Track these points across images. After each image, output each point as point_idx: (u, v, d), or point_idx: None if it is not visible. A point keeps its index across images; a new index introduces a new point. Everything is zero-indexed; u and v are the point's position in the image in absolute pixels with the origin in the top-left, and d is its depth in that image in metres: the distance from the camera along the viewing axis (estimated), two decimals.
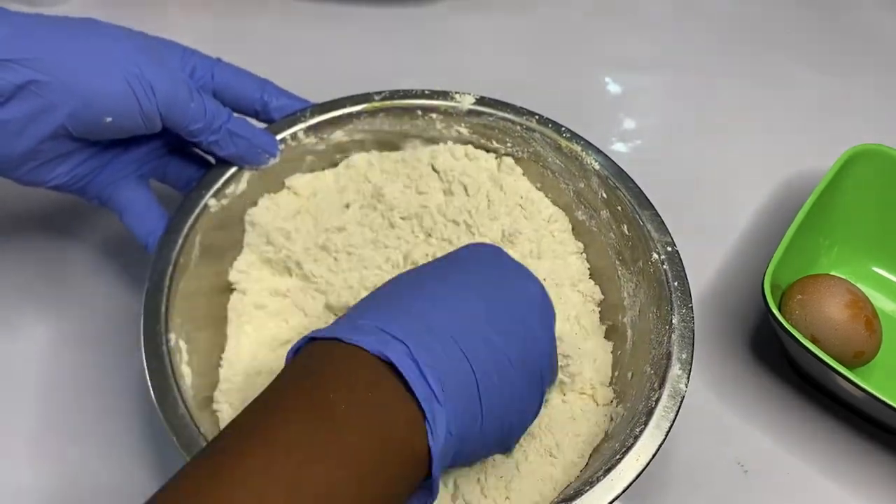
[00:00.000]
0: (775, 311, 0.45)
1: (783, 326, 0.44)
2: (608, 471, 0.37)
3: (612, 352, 0.46)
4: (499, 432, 0.35)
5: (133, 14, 0.67)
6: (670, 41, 0.69)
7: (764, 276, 0.46)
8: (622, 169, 0.47)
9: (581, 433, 0.43)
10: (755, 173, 0.60)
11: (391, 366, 0.31)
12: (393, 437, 0.30)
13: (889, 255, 0.54)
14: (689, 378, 0.40)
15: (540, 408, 0.38)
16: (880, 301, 0.53)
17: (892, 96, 0.65)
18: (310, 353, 0.33)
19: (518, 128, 0.49)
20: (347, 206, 0.49)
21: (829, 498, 0.46)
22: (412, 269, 0.39)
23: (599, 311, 0.48)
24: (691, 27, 0.70)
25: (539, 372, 0.36)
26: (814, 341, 0.47)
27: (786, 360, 0.51)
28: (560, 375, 0.44)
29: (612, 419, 0.43)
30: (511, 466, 0.41)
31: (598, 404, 0.44)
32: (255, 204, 0.48)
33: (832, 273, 0.53)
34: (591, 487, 0.36)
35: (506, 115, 0.49)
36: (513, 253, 0.47)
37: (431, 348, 0.32)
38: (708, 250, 0.55)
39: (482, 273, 0.37)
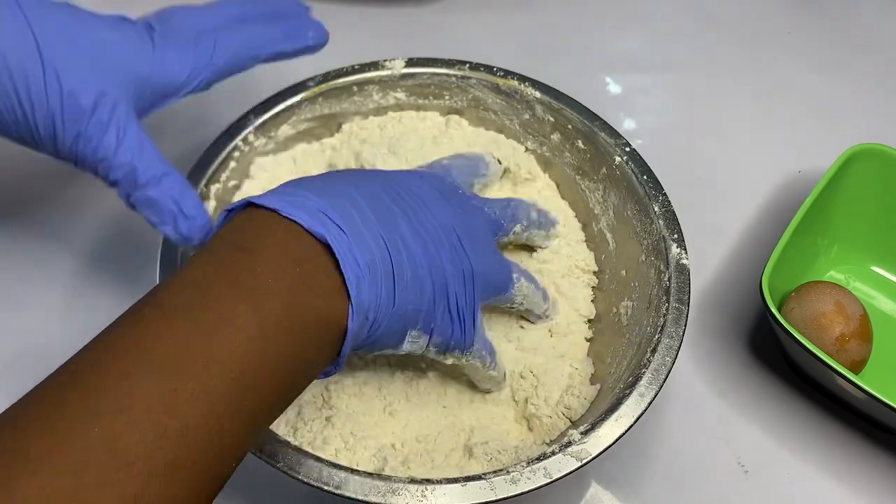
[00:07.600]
0: (774, 311, 0.45)
1: (782, 326, 0.44)
2: (653, 351, 0.40)
3: (595, 256, 0.49)
4: (400, 329, 0.36)
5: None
6: (670, 41, 0.69)
7: (762, 275, 0.46)
8: (561, 91, 0.50)
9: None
10: (755, 173, 0.60)
11: (324, 246, 0.33)
12: (316, 306, 0.32)
13: (889, 254, 0.53)
14: (686, 254, 0.44)
15: (472, 324, 0.39)
16: (880, 301, 0.53)
17: (892, 96, 0.65)
18: (247, 218, 0.34)
19: (453, 79, 0.51)
20: None
21: (828, 498, 0.46)
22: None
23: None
24: (691, 27, 0.70)
25: (448, 285, 0.37)
26: None
27: (784, 360, 0.51)
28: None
29: (625, 313, 0.45)
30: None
31: (591, 285, 0.48)
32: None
33: (832, 272, 0.54)
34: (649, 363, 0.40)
35: (438, 70, 0.51)
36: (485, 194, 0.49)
37: (362, 237, 0.34)
38: (707, 250, 0.55)
39: (431, 193, 0.39)
